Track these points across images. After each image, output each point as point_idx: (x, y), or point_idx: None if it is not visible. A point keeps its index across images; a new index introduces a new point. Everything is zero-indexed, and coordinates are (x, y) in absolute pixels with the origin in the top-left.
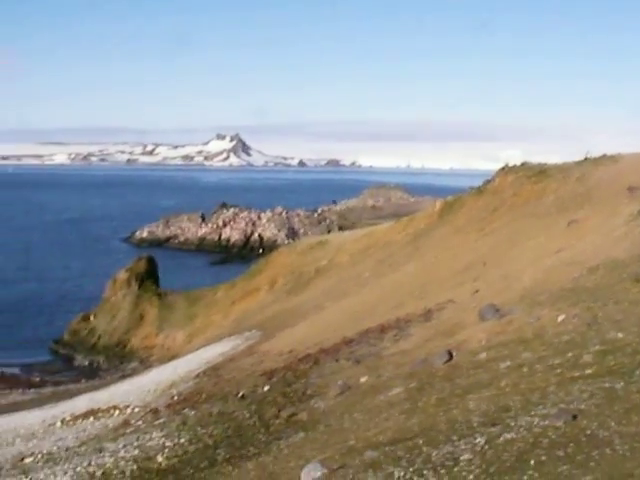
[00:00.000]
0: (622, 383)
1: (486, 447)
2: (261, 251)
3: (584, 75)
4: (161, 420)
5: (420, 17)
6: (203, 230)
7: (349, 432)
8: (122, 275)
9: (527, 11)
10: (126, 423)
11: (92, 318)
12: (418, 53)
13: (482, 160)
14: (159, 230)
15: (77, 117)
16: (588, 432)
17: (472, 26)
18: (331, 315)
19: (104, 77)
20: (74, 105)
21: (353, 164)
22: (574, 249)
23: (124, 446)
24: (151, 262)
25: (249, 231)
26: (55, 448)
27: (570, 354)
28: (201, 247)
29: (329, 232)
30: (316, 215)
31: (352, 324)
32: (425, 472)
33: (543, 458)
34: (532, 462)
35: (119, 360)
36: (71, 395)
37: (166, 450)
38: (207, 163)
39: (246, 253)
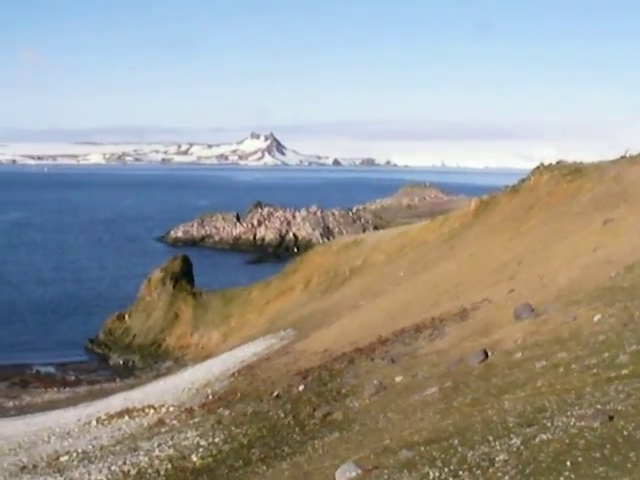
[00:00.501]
0: None
1: (522, 448)
2: (296, 250)
3: (619, 73)
4: (196, 419)
5: (452, 17)
6: (238, 229)
7: (384, 432)
8: (157, 274)
9: (561, 12)
10: (161, 422)
11: (127, 317)
12: (451, 53)
13: (517, 159)
14: (194, 229)
15: (112, 117)
16: (625, 433)
17: (505, 28)
18: (366, 314)
19: (138, 77)
20: (109, 105)
21: (388, 163)
22: (610, 248)
23: (159, 445)
24: (186, 261)
25: (284, 230)
26: (90, 447)
27: (606, 354)
28: (236, 246)
29: (364, 231)
30: (351, 214)
31: (387, 323)
32: (460, 473)
33: (580, 459)
34: (568, 463)
35: (154, 359)
36: (106, 394)
37: (201, 449)
38: (242, 162)
39: (281, 252)
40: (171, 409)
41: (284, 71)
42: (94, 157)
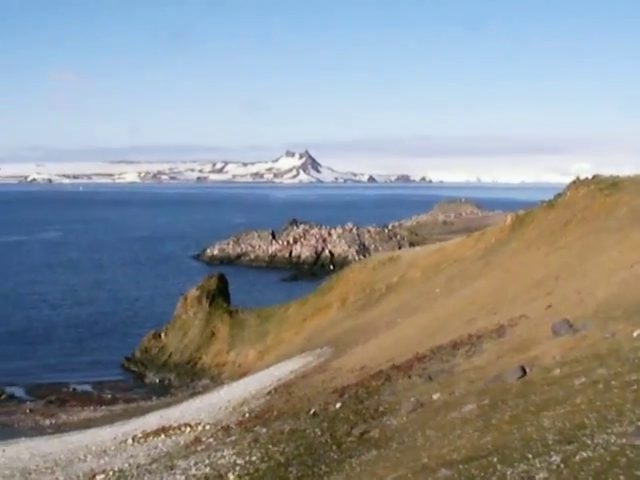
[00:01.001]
0: None
1: (562, 466)
2: (332, 267)
3: None
4: (232, 438)
5: (486, 30)
6: (274, 247)
7: (422, 450)
8: (193, 293)
9: (592, 25)
10: (197, 440)
11: (163, 336)
12: (487, 70)
13: (552, 173)
14: (230, 247)
15: (147, 136)
16: None
17: (536, 47)
18: (403, 331)
19: (173, 96)
20: (144, 124)
21: (423, 179)
22: None
23: (195, 464)
24: (222, 279)
25: (320, 248)
26: (126, 465)
27: None
28: (272, 264)
29: (400, 248)
30: (387, 231)
31: (424, 340)
32: None
33: (621, 478)
34: None
35: (190, 377)
36: (142, 412)
37: (237, 468)
38: (277, 180)
39: (317, 270)
40: (207, 427)
41: (319, 91)
42: (129, 176)
